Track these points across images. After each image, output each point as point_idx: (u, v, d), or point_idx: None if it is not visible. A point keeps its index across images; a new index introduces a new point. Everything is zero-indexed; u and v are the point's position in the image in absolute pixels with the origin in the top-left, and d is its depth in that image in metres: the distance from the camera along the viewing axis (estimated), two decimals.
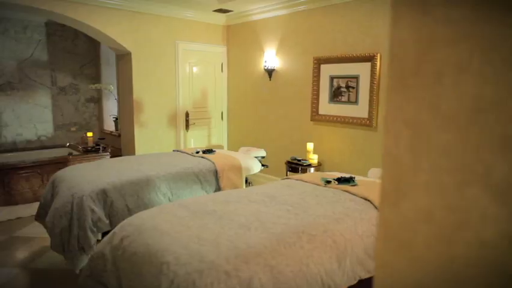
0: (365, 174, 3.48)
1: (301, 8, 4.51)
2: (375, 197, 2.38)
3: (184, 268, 1.50)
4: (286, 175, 4.27)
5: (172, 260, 1.55)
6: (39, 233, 3.50)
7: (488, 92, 0.41)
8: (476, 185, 0.43)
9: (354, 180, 2.72)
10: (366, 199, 2.38)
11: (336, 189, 2.55)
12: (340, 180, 2.72)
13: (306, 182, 2.77)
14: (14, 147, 5.56)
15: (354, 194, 2.45)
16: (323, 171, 4.20)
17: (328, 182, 2.72)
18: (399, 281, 0.53)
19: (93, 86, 5.61)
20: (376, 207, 2.29)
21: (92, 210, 2.64)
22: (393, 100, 0.51)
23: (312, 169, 4.20)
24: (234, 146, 5.74)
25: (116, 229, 1.99)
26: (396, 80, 0.50)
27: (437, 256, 0.48)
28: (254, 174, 4.13)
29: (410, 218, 0.50)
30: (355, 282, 2.00)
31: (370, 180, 2.81)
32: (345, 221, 2.07)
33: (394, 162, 0.52)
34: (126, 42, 4.70)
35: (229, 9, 5.08)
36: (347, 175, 2.85)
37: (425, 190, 0.48)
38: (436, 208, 0.47)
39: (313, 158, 4.27)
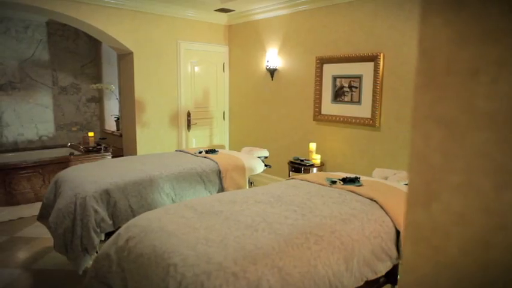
0: (368, 174, 3.46)
1: (303, 7, 4.49)
2: (381, 197, 2.36)
3: (192, 270, 1.48)
4: (289, 175, 4.26)
5: (179, 262, 1.53)
6: (41, 234, 3.48)
7: None
8: None
9: (359, 181, 2.70)
10: (371, 199, 2.36)
11: (341, 190, 2.53)
12: (346, 181, 2.70)
13: (310, 182, 2.75)
14: (15, 147, 5.54)
15: (360, 195, 2.43)
16: (326, 171, 4.18)
17: (333, 182, 2.70)
18: (428, 287, 0.51)
19: (94, 86, 5.59)
20: (382, 208, 2.27)
21: (95, 211, 2.62)
22: (423, 98, 0.49)
23: (315, 169, 4.18)
24: (235, 146, 5.71)
25: (120, 230, 1.97)
26: (427, 78, 0.49)
27: (472, 261, 0.46)
28: (257, 175, 4.11)
29: (442, 220, 0.48)
30: (362, 283, 1.98)
31: (375, 181, 2.79)
32: (351, 221, 2.05)
33: (424, 162, 0.50)
34: (128, 42, 4.68)
35: (231, 8, 5.06)
36: (352, 175, 2.84)
37: (459, 192, 0.46)
38: (470, 211, 0.45)
39: (316, 158, 4.25)
